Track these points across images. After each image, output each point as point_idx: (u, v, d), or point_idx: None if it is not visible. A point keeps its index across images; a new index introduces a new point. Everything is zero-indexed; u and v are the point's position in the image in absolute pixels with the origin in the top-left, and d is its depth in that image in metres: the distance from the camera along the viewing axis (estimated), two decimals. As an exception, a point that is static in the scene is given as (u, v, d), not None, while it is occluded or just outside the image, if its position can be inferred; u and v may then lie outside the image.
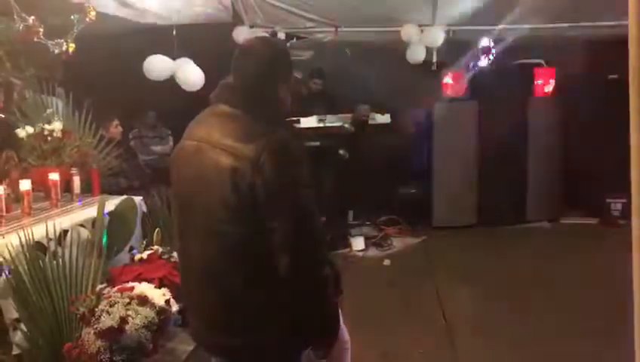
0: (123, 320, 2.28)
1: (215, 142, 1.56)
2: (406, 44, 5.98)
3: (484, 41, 6.10)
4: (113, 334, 2.25)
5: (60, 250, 2.65)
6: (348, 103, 6.01)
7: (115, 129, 4.94)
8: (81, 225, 2.97)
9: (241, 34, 5.75)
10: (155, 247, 3.13)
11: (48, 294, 2.49)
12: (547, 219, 6.25)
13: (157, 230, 3.31)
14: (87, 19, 3.56)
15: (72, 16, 3.53)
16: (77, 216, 3.03)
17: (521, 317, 3.84)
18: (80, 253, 2.70)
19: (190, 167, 1.64)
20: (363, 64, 6.50)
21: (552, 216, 6.28)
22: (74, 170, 3.35)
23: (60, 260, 2.58)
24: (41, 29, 3.32)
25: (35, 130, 3.35)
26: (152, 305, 2.43)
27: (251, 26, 5.94)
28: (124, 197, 3.37)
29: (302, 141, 4.74)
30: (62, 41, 3.45)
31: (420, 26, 5.88)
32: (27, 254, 2.45)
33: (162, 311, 2.46)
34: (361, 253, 5.39)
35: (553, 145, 6.24)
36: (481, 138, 6.08)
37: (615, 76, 5.79)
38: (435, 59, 6.12)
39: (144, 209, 3.54)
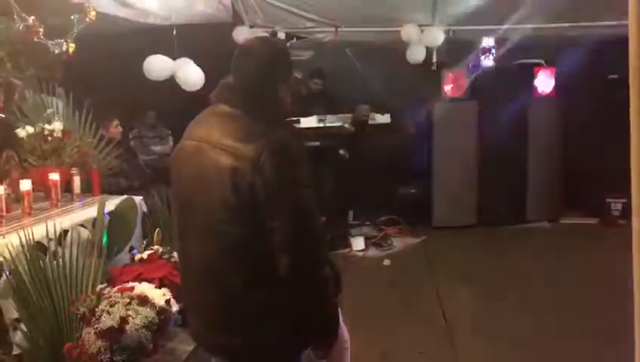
0: (123, 320, 2.28)
1: (215, 142, 1.56)
2: (406, 44, 5.98)
3: (484, 41, 6.10)
4: (113, 334, 2.25)
5: (60, 250, 2.65)
6: (348, 103, 6.01)
7: (115, 129, 4.94)
8: (82, 225, 2.97)
9: (241, 34, 5.75)
10: (156, 247, 3.13)
11: (48, 294, 2.49)
12: (547, 219, 6.25)
13: (157, 230, 3.31)
14: (87, 19, 3.56)
15: (72, 16, 3.53)
16: (77, 216, 3.02)
17: (521, 317, 3.84)
18: (80, 253, 2.69)
19: (190, 167, 1.64)
20: (363, 64, 6.51)
21: (552, 216, 6.28)
22: (74, 170, 3.35)
23: (60, 260, 2.58)
24: (41, 29, 3.31)
25: (35, 130, 3.34)
26: (153, 305, 2.43)
27: (251, 26, 5.94)
28: (125, 197, 3.37)
29: (302, 141, 4.74)
30: (62, 41, 3.45)
31: (420, 26, 5.88)
32: (27, 254, 2.45)
33: (162, 311, 2.46)
34: (361, 253, 5.39)
35: (553, 145, 6.24)
36: (481, 138, 6.08)
37: (615, 76, 5.79)
38: (435, 59, 6.13)
39: (144, 209, 3.53)
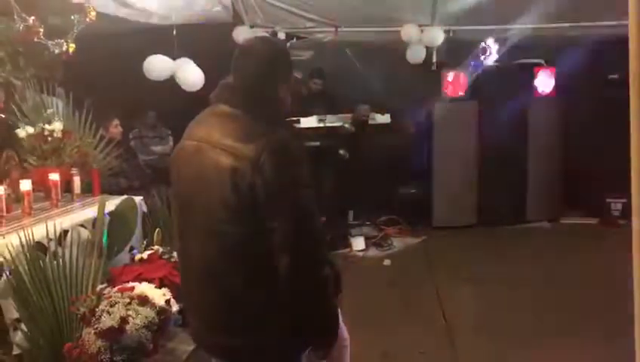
0: (123, 320, 2.28)
1: (215, 142, 1.56)
2: (406, 44, 5.98)
3: (484, 41, 6.10)
4: (113, 334, 2.25)
5: (60, 250, 2.65)
6: (348, 103, 6.01)
7: (115, 129, 4.94)
8: (82, 225, 2.97)
9: (241, 34, 5.76)
10: (156, 247, 3.13)
11: (49, 294, 2.49)
12: (547, 219, 6.25)
13: (157, 230, 3.31)
14: (87, 20, 3.56)
15: (72, 17, 3.53)
16: (77, 216, 3.02)
17: (521, 317, 3.84)
18: (80, 253, 2.69)
19: (190, 167, 1.64)
20: (363, 64, 6.51)
21: (552, 216, 6.27)
22: (74, 170, 3.35)
23: (61, 260, 2.58)
24: (41, 29, 3.32)
25: (35, 130, 3.34)
26: (153, 305, 2.43)
27: (251, 26, 5.94)
28: (125, 197, 3.37)
29: (302, 141, 4.75)
30: (62, 41, 3.46)
31: (420, 26, 5.88)
32: (27, 254, 2.45)
33: (162, 311, 2.45)
34: (361, 253, 5.39)
35: (553, 145, 6.23)
36: (481, 138, 6.08)
37: (615, 76, 5.78)
38: (435, 59, 6.13)
39: (144, 209, 3.53)
